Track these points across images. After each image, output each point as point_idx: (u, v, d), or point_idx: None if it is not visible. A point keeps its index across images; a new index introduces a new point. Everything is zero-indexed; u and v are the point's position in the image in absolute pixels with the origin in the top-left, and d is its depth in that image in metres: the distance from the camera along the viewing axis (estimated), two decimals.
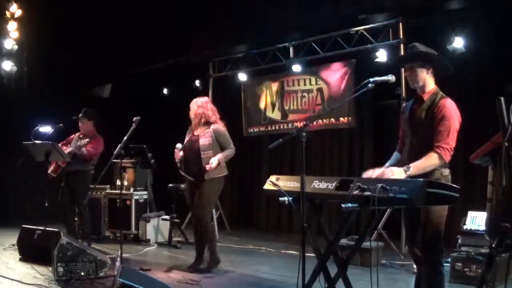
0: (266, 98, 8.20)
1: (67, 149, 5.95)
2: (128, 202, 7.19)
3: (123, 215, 7.03)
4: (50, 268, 4.82)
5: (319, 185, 3.17)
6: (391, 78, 3.36)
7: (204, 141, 5.10)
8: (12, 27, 8.41)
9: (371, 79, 3.32)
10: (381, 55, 6.43)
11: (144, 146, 6.76)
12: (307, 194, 3.10)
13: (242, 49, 8.20)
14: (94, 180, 5.98)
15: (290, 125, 7.84)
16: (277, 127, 8.09)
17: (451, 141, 3.12)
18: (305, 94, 7.70)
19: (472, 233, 5.04)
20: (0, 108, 8.41)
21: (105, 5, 8.55)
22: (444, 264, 3.20)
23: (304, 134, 3.12)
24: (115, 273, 4.05)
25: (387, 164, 3.43)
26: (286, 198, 3.32)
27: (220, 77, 8.61)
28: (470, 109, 4.74)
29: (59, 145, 5.86)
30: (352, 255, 3.53)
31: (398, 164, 3.35)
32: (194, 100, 5.31)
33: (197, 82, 8.71)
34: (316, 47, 7.22)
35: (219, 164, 5.04)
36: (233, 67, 8.33)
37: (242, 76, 8.25)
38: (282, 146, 7.99)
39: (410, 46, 3.39)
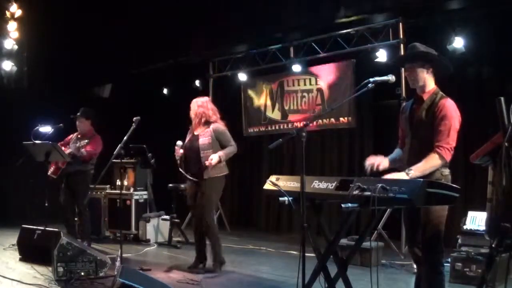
0: (266, 98, 8.19)
1: (66, 150, 5.95)
2: (128, 202, 7.19)
3: (123, 215, 7.02)
4: (50, 268, 4.82)
5: (319, 185, 3.17)
6: (391, 78, 3.36)
7: (203, 140, 5.10)
8: (12, 27, 8.42)
9: (371, 79, 3.32)
10: (381, 55, 6.43)
11: (144, 146, 6.76)
12: (307, 194, 3.10)
13: (242, 49, 8.19)
14: (94, 180, 5.98)
15: (290, 125, 7.84)
16: (277, 127, 8.08)
17: (452, 140, 3.12)
18: (305, 94, 7.70)
19: (472, 233, 5.03)
20: (0, 108, 8.41)
21: (105, 5, 8.55)
22: (444, 264, 3.20)
23: (304, 134, 3.12)
24: (115, 273, 4.05)
25: (390, 157, 3.45)
26: (286, 198, 3.33)
27: (220, 77, 8.62)
28: (470, 109, 4.74)
29: (59, 145, 5.86)
30: (352, 255, 3.53)
31: (399, 161, 3.39)
32: (195, 100, 5.31)
33: (197, 82, 8.70)
34: (316, 47, 7.22)
35: (220, 161, 5.02)
36: (233, 67, 8.33)
37: (242, 76, 8.25)
38: (282, 146, 8.04)
39: (410, 46, 3.39)
